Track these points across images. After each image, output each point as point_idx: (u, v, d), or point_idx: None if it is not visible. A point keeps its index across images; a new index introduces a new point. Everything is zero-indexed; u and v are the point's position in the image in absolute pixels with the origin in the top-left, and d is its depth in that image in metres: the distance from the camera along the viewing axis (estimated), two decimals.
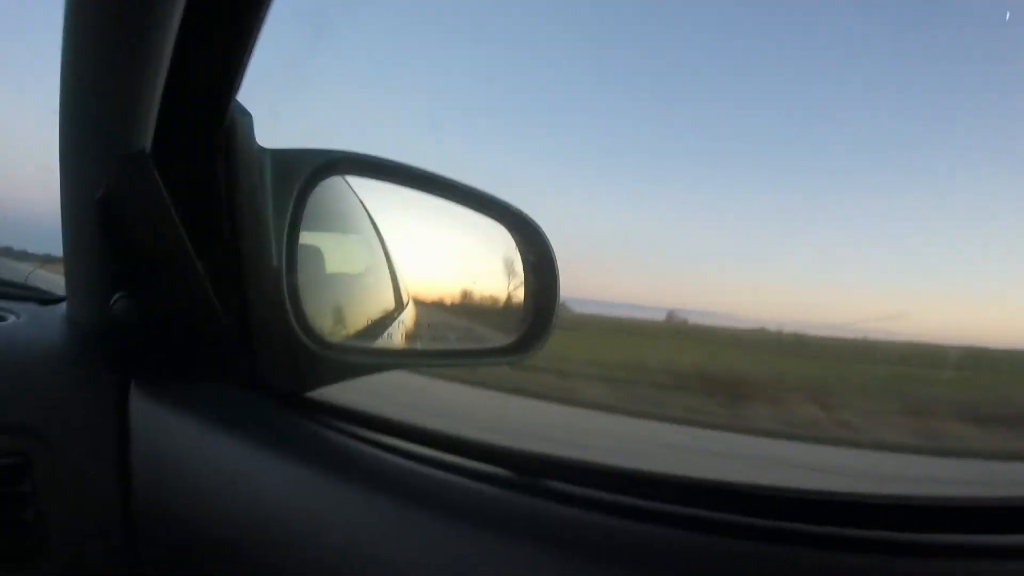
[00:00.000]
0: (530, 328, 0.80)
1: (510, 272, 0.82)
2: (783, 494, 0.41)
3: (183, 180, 0.58)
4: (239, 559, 0.51)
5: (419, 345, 0.81)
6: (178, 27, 0.48)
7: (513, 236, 0.81)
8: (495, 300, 0.84)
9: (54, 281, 0.78)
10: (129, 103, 0.53)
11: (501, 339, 0.83)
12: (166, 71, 0.52)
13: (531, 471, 0.48)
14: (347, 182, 0.77)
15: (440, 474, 0.49)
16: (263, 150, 0.62)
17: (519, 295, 0.82)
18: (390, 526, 0.44)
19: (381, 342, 0.81)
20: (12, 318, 0.70)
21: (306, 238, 0.66)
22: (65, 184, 0.61)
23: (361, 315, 0.87)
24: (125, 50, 0.50)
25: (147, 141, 0.55)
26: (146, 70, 0.51)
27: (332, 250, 0.84)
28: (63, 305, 0.72)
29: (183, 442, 0.59)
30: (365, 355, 0.76)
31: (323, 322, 0.71)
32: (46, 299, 0.80)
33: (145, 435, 0.60)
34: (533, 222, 0.79)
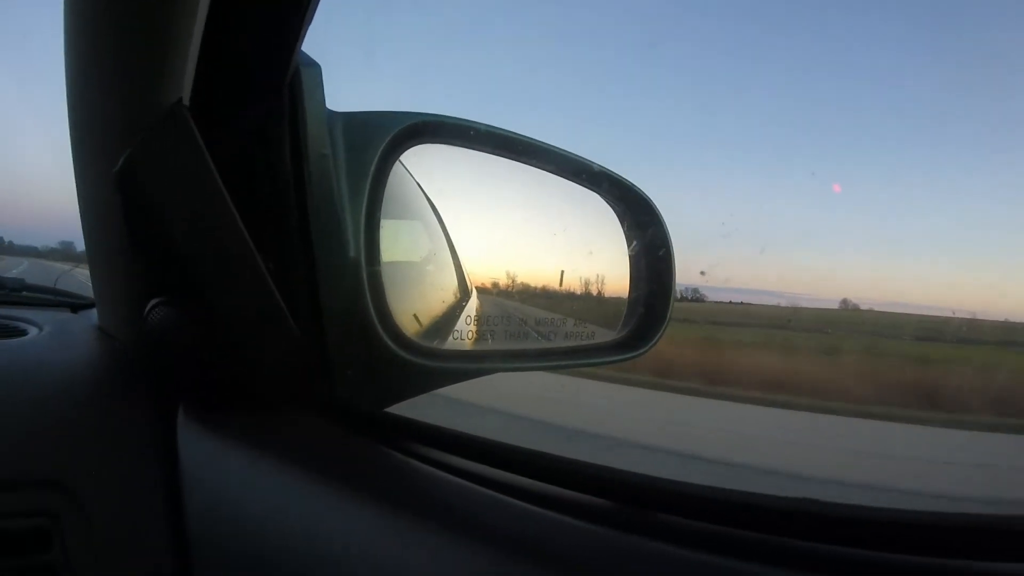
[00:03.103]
0: (642, 321, 0.67)
1: (612, 255, 0.69)
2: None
3: (232, 148, 0.45)
4: None
5: (516, 345, 0.69)
6: None
7: (618, 213, 0.68)
8: (594, 289, 0.71)
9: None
10: (158, 50, 0.40)
11: (604, 335, 0.70)
12: (207, 8, 0.39)
13: (643, 502, 0.40)
14: (400, 162, 0.65)
15: (537, 511, 0.41)
16: (333, 113, 0.50)
17: (624, 283, 0.69)
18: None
19: (468, 343, 0.69)
20: (34, 331, 0.58)
21: None
22: (79, 160, 0.49)
23: (434, 312, 0.76)
24: None
25: (184, 98, 0.43)
26: (182, 7, 0.39)
27: (392, 238, 0.73)
28: (95, 312, 0.61)
29: (247, 481, 0.47)
30: (460, 360, 0.64)
31: (403, 322, 0.59)
32: (78, 304, 0.69)
33: (199, 475, 0.48)
34: (645, 196, 0.66)
